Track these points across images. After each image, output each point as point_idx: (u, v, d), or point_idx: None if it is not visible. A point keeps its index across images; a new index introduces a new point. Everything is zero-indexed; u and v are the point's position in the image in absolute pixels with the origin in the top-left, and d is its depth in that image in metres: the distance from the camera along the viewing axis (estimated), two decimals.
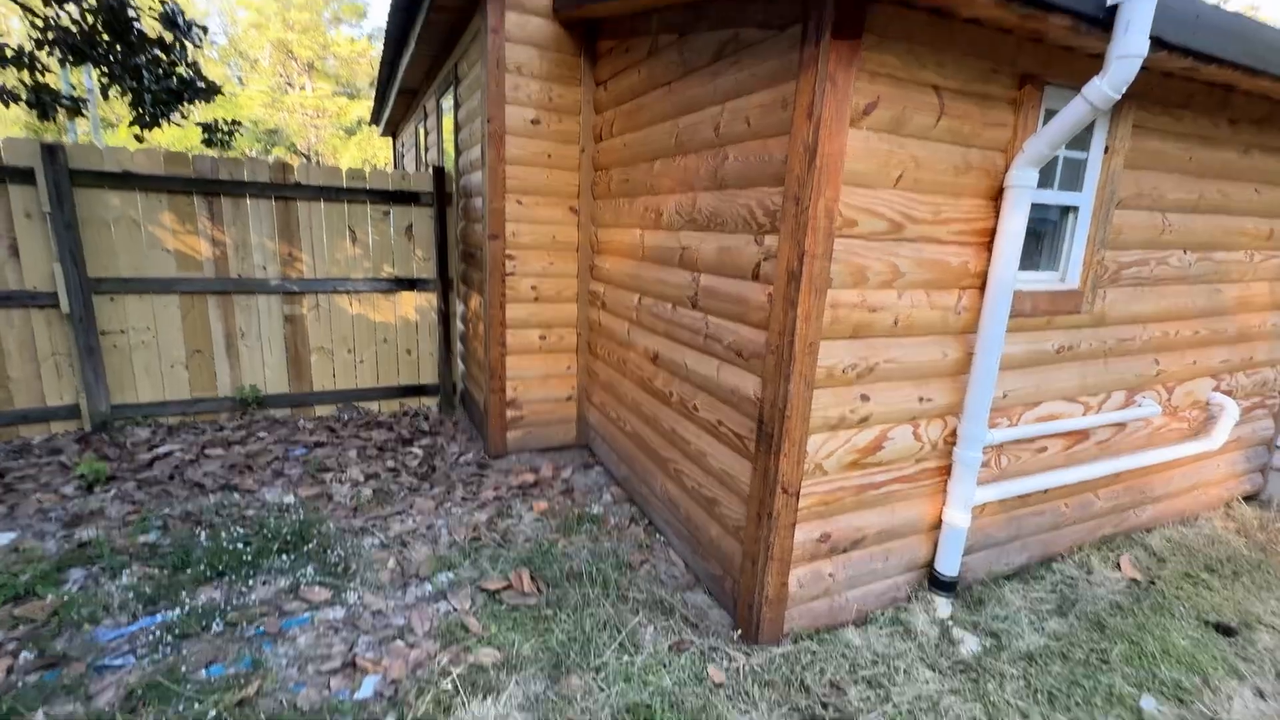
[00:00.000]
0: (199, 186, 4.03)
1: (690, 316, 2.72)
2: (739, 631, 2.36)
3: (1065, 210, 2.55)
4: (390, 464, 3.82)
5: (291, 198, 4.28)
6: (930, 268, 2.19)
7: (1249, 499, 3.74)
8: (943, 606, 2.50)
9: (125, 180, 3.86)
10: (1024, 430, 2.59)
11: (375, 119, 9.87)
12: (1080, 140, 2.46)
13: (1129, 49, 1.82)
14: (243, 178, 4.13)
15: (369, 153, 27.02)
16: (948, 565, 2.50)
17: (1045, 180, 2.43)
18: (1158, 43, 1.98)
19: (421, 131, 7.16)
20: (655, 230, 3.04)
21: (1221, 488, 3.62)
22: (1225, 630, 2.51)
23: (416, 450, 4.07)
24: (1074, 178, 2.50)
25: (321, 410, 4.65)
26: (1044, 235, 2.58)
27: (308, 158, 30.07)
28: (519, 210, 3.74)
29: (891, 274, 2.12)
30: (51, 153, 3.62)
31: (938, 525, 2.53)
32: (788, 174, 1.99)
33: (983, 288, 2.31)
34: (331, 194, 4.38)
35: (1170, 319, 2.96)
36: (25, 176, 3.64)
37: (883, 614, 2.47)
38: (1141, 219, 2.69)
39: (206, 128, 6.22)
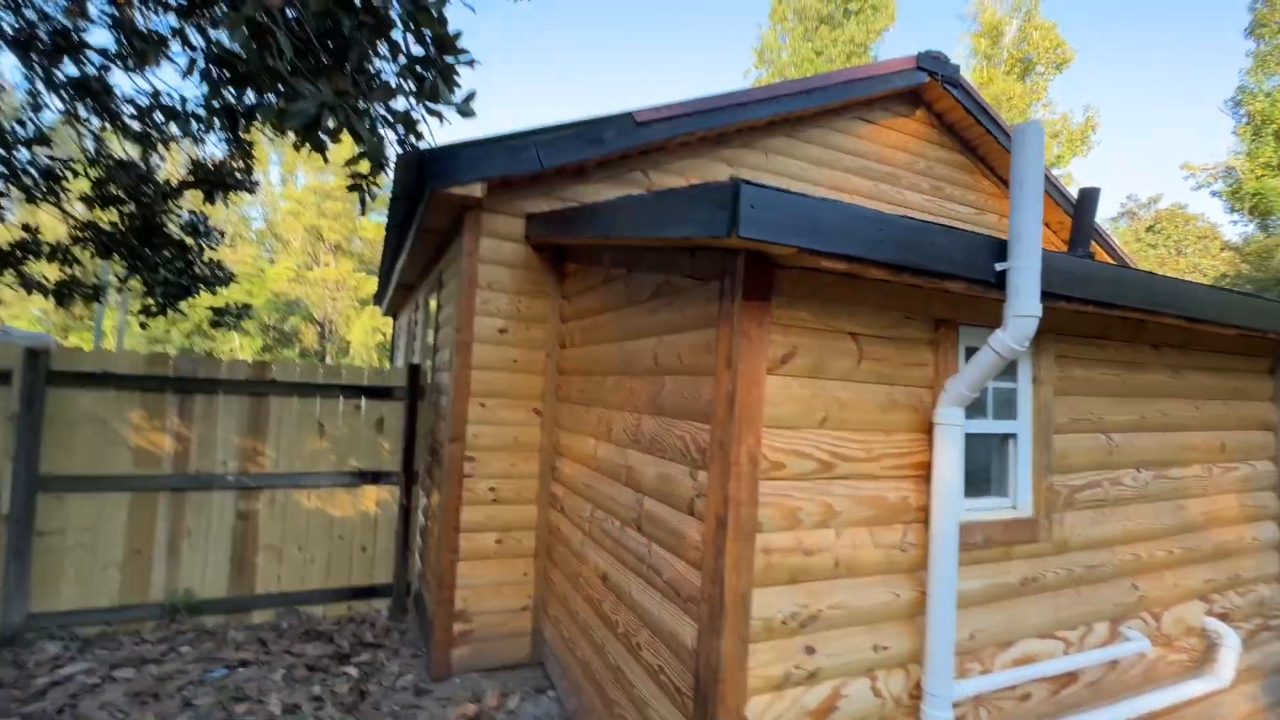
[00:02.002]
0: (176, 385, 4.13)
1: (635, 540, 2.61)
2: None
3: (1006, 437, 2.56)
4: (317, 690, 3.42)
5: (266, 394, 4.37)
6: (868, 504, 2.14)
7: None
8: None
9: (103, 380, 3.97)
10: (1000, 677, 2.34)
11: (378, 301, 10.53)
12: (1008, 371, 2.55)
13: (1022, 309, 1.95)
14: (219, 375, 4.25)
15: (378, 322, 28.50)
16: None
17: (979, 410, 2.47)
18: (1053, 296, 2.14)
19: (414, 321, 7.58)
20: (607, 443, 3.04)
21: None
22: None
23: (352, 670, 3.68)
24: (1009, 406, 2.56)
25: (260, 616, 4.30)
26: (990, 463, 2.57)
27: (322, 326, 31.75)
28: (482, 413, 3.80)
29: (826, 514, 2.06)
30: (33, 356, 3.76)
31: None
32: (713, 416, 2.02)
33: (928, 522, 2.24)
34: (307, 389, 4.48)
35: (1138, 540, 2.85)
36: (3, 379, 3.74)
37: None
38: (1085, 441, 2.70)
39: (217, 311, 6.55)
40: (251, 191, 6.05)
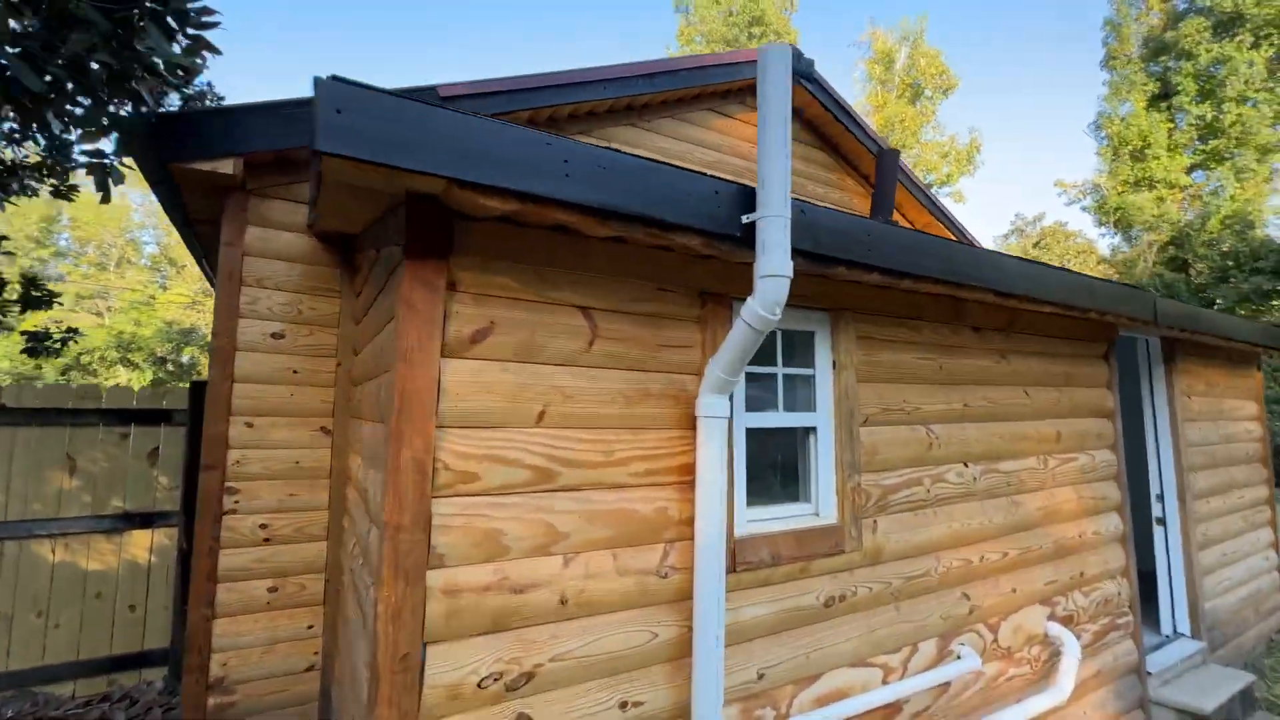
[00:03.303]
0: None
1: (363, 581, 2.06)
2: None
3: (808, 432, 2.21)
4: None
5: None
6: (610, 521, 1.70)
7: None
8: None
9: None
10: None
11: None
12: (805, 356, 2.21)
13: (772, 268, 1.58)
14: None
15: None
16: None
17: (768, 401, 2.11)
18: (827, 260, 1.80)
19: None
20: (360, 459, 2.50)
21: None
22: None
23: None
24: (808, 396, 2.21)
25: None
26: (793, 463, 2.21)
27: None
28: (248, 434, 3.16)
29: (547, 536, 1.60)
30: None
31: None
32: (388, 413, 1.53)
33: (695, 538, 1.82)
34: (50, 416, 3.69)
35: (968, 543, 2.56)
36: None
37: None
38: (900, 434, 2.39)
39: (34, 336, 5.46)
40: (68, 199, 5.13)
